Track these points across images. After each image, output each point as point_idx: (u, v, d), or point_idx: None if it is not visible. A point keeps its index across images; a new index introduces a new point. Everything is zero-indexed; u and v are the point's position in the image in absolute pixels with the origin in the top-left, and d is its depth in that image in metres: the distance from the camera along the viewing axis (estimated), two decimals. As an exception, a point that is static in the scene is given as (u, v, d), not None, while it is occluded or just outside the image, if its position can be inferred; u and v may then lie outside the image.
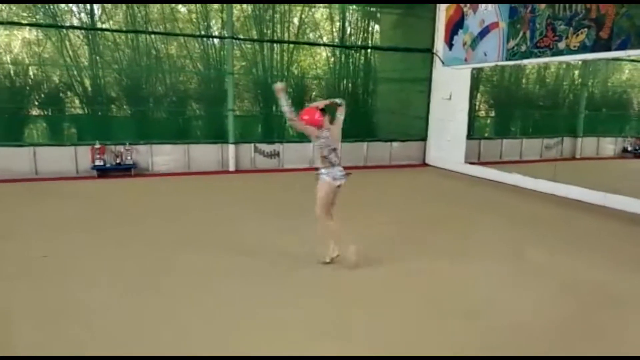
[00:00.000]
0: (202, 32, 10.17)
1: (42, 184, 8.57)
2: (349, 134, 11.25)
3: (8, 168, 8.82)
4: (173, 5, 9.89)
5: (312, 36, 11.35)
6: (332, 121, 4.60)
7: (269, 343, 3.22)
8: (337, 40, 11.24)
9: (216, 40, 10.32)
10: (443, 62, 11.22)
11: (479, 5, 9.94)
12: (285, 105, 4.36)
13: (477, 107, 12.47)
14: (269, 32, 10.54)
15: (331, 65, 11.51)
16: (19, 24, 9.21)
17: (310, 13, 11.09)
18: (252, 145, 10.56)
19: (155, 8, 9.74)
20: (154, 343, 3.20)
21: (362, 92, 11.80)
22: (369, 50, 11.62)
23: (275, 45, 10.67)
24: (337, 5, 10.97)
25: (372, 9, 11.55)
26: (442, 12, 11.14)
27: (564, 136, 12.39)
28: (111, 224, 6.09)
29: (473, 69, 10.47)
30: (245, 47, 10.57)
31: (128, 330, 3.38)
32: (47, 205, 7.01)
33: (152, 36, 9.76)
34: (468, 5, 10.28)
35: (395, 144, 11.82)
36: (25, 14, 9.23)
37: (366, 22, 11.63)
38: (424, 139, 12.02)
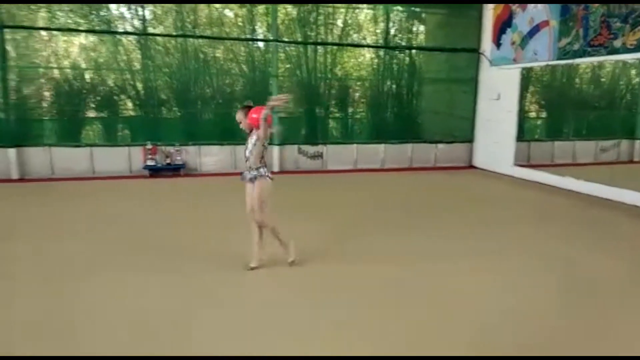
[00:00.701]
0: (248, 36, 10.37)
1: (99, 182, 9.01)
2: (393, 136, 11.24)
3: (68, 167, 9.34)
4: (220, 9, 10.15)
5: (355, 37, 11.33)
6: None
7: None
8: (381, 41, 11.18)
9: (261, 44, 10.50)
10: (491, 62, 10.93)
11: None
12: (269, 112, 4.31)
13: (526, 107, 12.06)
14: (312, 34, 10.62)
15: (375, 67, 11.45)
16: (77, 30, 9.71)
17: (354, 14, 11.09)
18: (296, 146, 10.67)
19: (203, 13, 10.04)
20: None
21: (407, 93, 11.67)
22: (413, 51, 11.49)
23: (318, 47, 10.74)
24: (381, 6, 10.91)
25: (416, 9, 11.41)
26: (489, 11, 10.86)
27: (620, 138, 11.76)
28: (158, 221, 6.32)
29: (522, 68, 10.14)
30: (290, 49, 10.70)
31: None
32: (104, 202, 7.37)
33: (200, 40, 10.05)
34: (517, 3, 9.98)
35: (440, 145, 11.62)
36: (82, 21, 9.73)
37: (411, 22, 11.51)
38: (470, 140, 11.74)
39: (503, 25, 10.45)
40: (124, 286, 4.16)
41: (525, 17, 9.76)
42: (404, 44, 11.32)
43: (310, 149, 10.77)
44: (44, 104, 9.80)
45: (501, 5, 10.46)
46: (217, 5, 10.11)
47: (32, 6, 9.24)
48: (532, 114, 12.71)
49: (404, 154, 11.37)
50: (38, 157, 9.26)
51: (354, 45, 11.36)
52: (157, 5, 9.85)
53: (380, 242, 5.51)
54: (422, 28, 12.00)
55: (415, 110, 11.87)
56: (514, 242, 5.63)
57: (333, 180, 9.77)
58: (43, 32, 9.40)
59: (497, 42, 10.67)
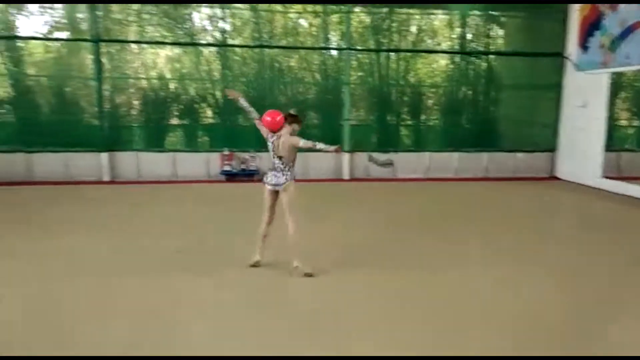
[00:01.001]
0: (322, 45, 10.55)
1: (180, 185, 9.56)
2: (468, 144, 10.87)
3: (153, 171, 10.00)
4: (295, 19, 10.43)
5: (430, 43, 11.13)
6: (292, 133, 4.60)
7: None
8: (456, 46, 10.89)
9: (334, 52, 10.63)
10: (577, 67, 10.24)
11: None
12: (245, 105, 4.67)
13: (616, 115, 11.17)
14: (385, 41, 10.58)
15: (449, 73, 11.17)
16: (163, 43, 10.43)
17: (429, 20, 10.90)
18: (366, 154, 10.64)
19: (279, 23, 10.36)
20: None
21: (483, 100, 11.26)
22: (491, 56, 11.07)
23: (391, 54, 10.68)
24: (457, 11, 10.64)
25: (494, 12, 10.99)
26: (575, 13, 10.19)
27: None
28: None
29: (612, 73, 9.40)
30: (362, 57, 10.74)
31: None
32: (184, 205, 7.80)
33: (275, 50, 10.36)
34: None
35: (519, 154, 11.04)
36: (168, 34, 10.43)
37: (488, 26, 11.10)
38: (552, 149, 11.06)
39: (590, 27, 9.76)
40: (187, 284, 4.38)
41: (616, 18, 9.06)
42: (481, 49, 10.94)
43: (381, 157, 10.70)
44: (133, 112, 10.58)
45: (588, 6, 9.78)
46: (292, 15, 10.41)
47: (124, 21, 10.05)
48: (623, 122, 11.76)
49: (479, 163, 10.96)
50: (127, 161, 9.99)
51: (428, 52, 11.16)
52: (237, 17, 10.32)
53: (442, 254, 5.34)
54: (500, 32, 11.54)
55: (493, 118, 11.39)
56: (605, 271, 5.22)
57: (404, 189, 9.63)
58: (134, 45, 10.16)
59: (584, 45, 9.98)
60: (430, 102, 11.46)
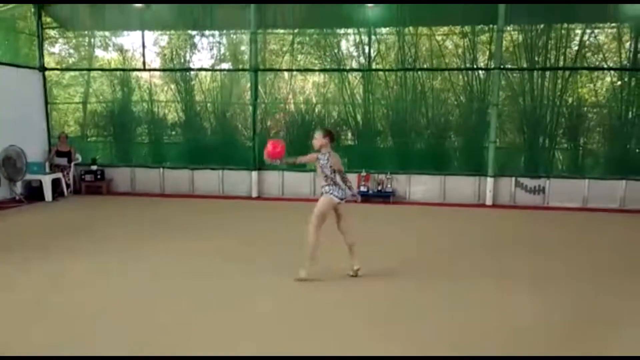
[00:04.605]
0: (468, 65, 10.20)
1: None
2: (638, 170, 9.48)
3: (295, 190, 10.57)
4: (441, 41, 10.28)
5: (593, 60, 10.02)
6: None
7: None
8: (625, 62, 9.65)
9: (481, 72, 10.20)
10: None
11: None
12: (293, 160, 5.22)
13: None
14: (540, 59, 9.82)
15: (616, 92, 9.90)
16: (312, 70, 11.09)
17: (593, 34, 9.84)
18: (513, 179, 9.90)
19: (424, 47, 10.30)
20: None
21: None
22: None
23: (546, 72, 9.87)
24: (627, 22, 9.46)
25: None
26: None
27: None
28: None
29: None
30: (512, 76, 10.11)
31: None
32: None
33: (419, 72, 10.31)
34: None
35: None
36: (316, 62, 11.08)
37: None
38: None
39: None
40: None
41: None
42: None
43: (530, 182, 9.85)
44: (280, 134, 11.37)
45: None
46: (439, 38, 10.28)
47: (279, 51, 10.96)
48: None
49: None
50: (272, 180, 10.73)
51: (591, 69, 10.05)
52: (382, 41, 10.55)
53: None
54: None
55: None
56: None
57: (556, 219, 8.69)
58: (286, 73, 10.98)
59: None
60: (591, 123, 10.26)
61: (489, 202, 9.84)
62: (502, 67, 9.77)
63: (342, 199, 4.95)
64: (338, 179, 4.98)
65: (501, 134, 10.44)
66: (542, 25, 9.77)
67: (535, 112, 10.04)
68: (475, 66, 10.21)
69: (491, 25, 9.82)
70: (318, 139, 4.97)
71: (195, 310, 4.28)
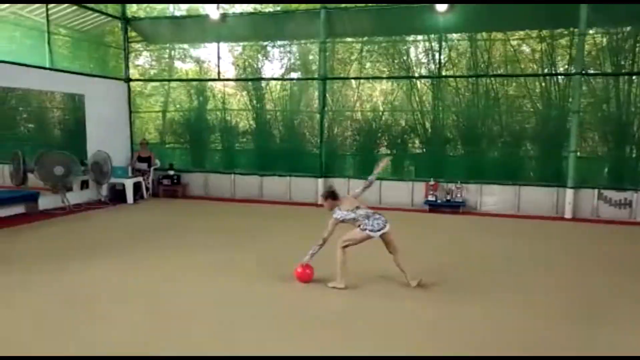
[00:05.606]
0: (546, 70, 9.72)
1: (385, 212, 9.82)
2: None
3: (362, 198, 10.51)
4: (516, 46, 9.88)
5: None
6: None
7: None
8: None
9: (560, 78, 9.67)
10: None
11: None
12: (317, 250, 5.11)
13: None
14: (626, 63, 9.17)
15: None
16: (379, 77, 11.07)
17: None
18: (596, 191, 9.26)
19: (498, 52, 9.96)
20: None
21: None
22: None
23: (633, 77, 9.19)
24: None
25: None
26: None
27: None
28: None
29: None
30: (595, 82, 9.50)
31: None
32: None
33: (492, 79, 9.97)
34: None
35: None
36: (385, 69, 11.03)
37: None
38: None
39: None
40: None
41: None
42: None
43: (615, 195, 9.16)
44: (347, 142, 11.42)
45: None
46: (514, 43, 9.88)
47: (347, 60, 11.05)
48: None
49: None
50: (338, 187, 10.67)
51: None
52: (453, 48, 10.32)
53: None
54: None
55: None
56: None
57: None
58: (354, 81, 11.04)
59: None
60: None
61: (568, 215, 9.26)
62: (583, 72, 9.21)
63: (379, 230, 4.88)
64: (363, 212, 4.95)
65: (582, 142, 9.83)
66: (628, 28, 9.14)
67: (620, 120, 9.37)
68: (554, 71, 9.72)
69: (572, 29, 9.33)
70: (325, 205, 5.18)
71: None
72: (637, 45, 9.11)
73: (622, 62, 9.22)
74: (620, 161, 9.47)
